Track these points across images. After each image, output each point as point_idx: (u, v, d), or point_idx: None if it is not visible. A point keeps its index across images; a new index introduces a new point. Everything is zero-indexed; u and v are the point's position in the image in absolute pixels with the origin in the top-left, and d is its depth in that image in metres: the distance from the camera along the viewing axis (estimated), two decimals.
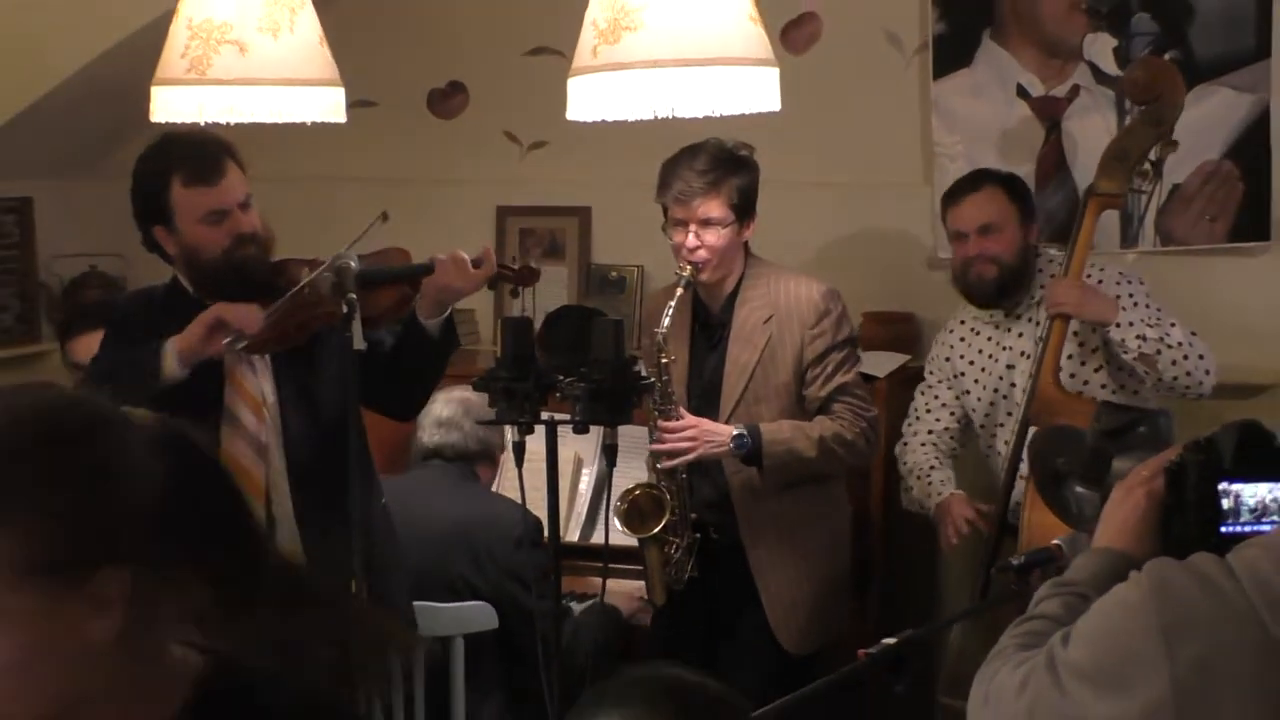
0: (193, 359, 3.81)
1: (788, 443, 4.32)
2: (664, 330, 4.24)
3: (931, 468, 4.75)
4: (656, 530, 4.33)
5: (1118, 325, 4.36)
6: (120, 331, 4.06)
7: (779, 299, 4.42)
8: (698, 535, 4.43)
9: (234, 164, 3.91)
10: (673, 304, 4.27)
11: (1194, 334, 4.40)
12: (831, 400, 4.39)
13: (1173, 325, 4.38)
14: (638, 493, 4.33)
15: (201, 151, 3.88)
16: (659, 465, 4.35)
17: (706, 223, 4.31)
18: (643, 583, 4.57)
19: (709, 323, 4.49)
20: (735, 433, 4.29)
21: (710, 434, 4.28)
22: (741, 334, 4.43)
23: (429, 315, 3.98)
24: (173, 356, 3.79)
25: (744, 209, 4.35)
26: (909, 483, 4.81)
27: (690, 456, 4.30)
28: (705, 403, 4.43)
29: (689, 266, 4.34)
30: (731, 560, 4.44)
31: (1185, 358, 4.35)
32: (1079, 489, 2.90)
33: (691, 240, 4.32)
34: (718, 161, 4.31)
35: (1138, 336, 4.34)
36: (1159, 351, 4.34)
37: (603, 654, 4.41)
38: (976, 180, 4.72)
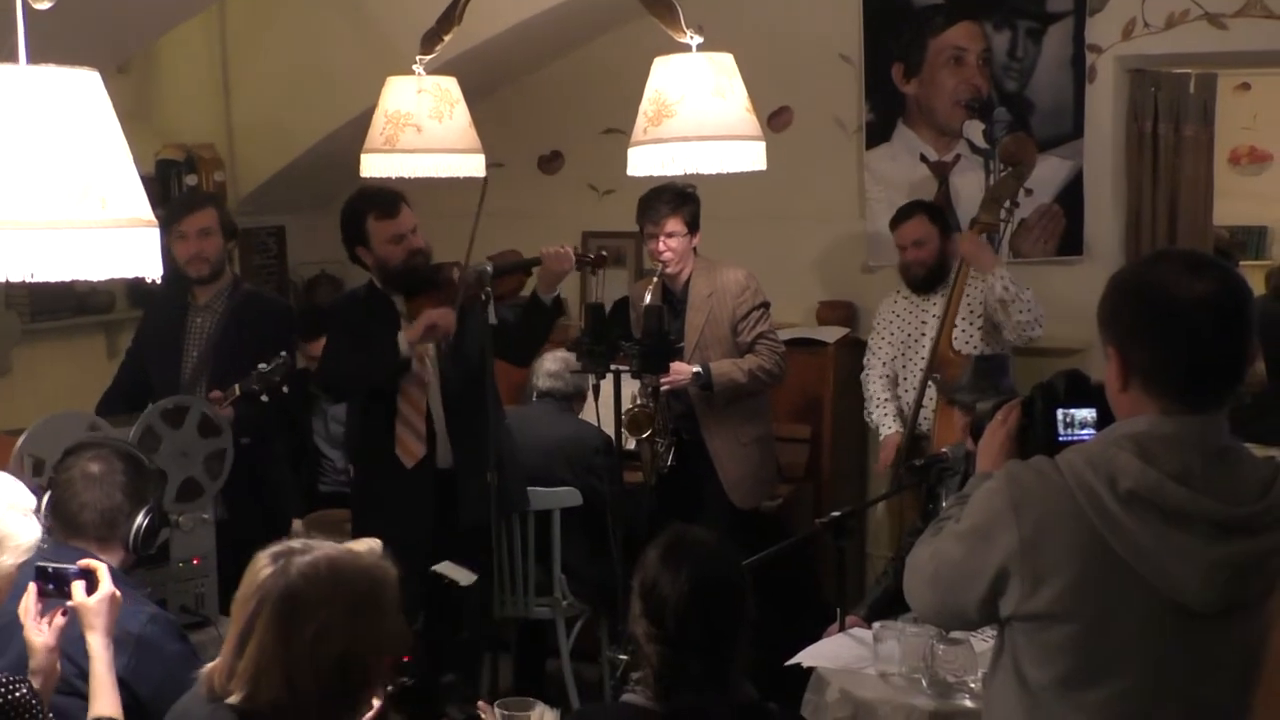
0: (415, 346, 3.87)
1: (728, 374, 4.32)
2: (644, 305, 4.20)
3: (886, 399, 4.71)
4: (647, 435, 4.29)
5: (994, 275, 4.36)
6: (338, 323, 4.08)
7: (717, 281, 4.40)
8: (674, 437, 4.40)
9: (405, 204, 3.93)
10: (650, 288, 4.26)
11: (1036, 302, 4.39)
12: (755, 343, 4.39)
13: (1028, 291, 4.37)
14: (634, 410, 4.27)
15: (385, 196, 3.90)
16: (648, 390, 4.32)
17: (670, 234, 4.32)
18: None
19: (673, 299, 4.44)
20: (695, 370, 4.29)
21: (679, 371, 4.25)
22: (694, 305, 4.40)
23: (545, 293, 3.97)
24: (405, 345, 3.85)
25: (693, 225, 4.36)
26: (869, 408, 4.77)
27: (667, 386, 4.27)
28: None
29: (659, 263, 4.36)
30: (697, 451, 4.43)
31: (1029, 309, 4.33)
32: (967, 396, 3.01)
33: (661, 246, 4.33)
34: (676, 195, 4.31)
35: (1004, 286, 4.33)
36: (1015, 300, 4.33)
37: None
38: (911, 209, 4.71)
